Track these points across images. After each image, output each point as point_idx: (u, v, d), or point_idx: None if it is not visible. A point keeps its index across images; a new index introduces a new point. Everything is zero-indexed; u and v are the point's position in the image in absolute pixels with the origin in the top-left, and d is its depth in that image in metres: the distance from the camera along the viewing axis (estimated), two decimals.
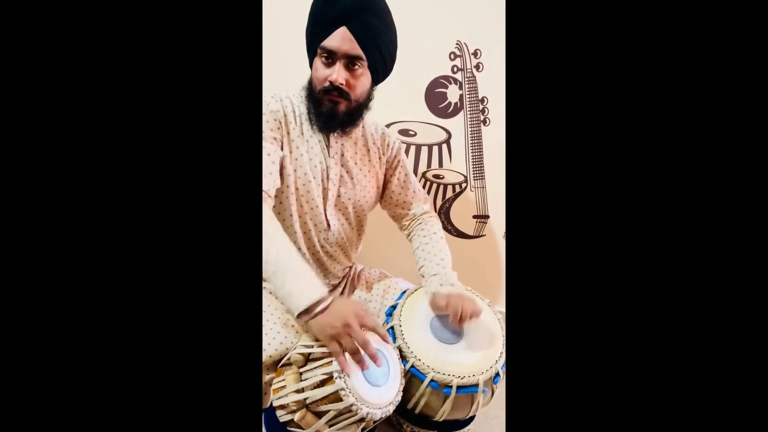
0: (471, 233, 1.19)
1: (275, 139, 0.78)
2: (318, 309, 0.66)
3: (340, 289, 0.92)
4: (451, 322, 0.75)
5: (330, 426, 0.65)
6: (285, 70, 0.97)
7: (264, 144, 0.76)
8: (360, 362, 0.65)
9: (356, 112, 0.81)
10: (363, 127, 0.90)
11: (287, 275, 0.67)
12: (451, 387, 0.70)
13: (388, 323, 0.78)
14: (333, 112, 0.78)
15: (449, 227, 1.19)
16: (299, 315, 0.67)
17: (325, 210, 0.84)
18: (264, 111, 0.79)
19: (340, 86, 0.76)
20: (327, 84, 0.76)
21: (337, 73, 0.75)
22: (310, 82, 0.81)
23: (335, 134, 0.84)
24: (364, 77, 0.78)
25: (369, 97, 0.82)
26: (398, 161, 0.92)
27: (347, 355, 0.65)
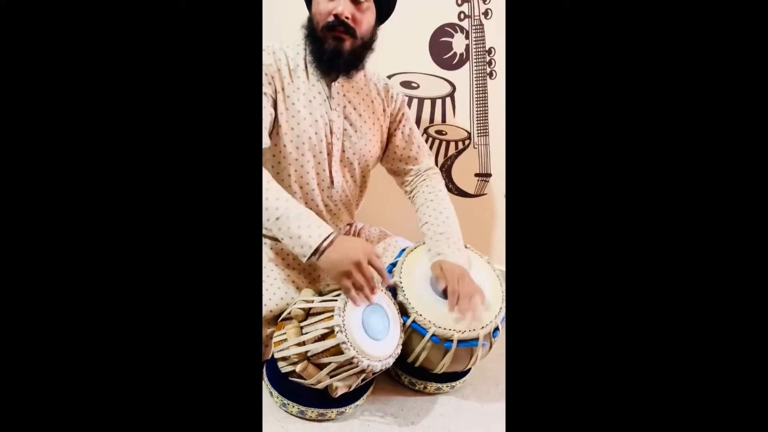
0: (472, 192, 1.18)
1: (265, 94, 0.76)
2: (325, 244, 0.68)
3: None
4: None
5: (331, 377, 0.68)
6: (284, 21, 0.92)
7: None
8: (367, 297, 0.68)
9: (361, 51, 0.79)
10: (365, 76, 0.88)
11: (291, 219, 0.69)
12: (452, 341, 0.73)
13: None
14: (337, 50, 0.75)
15: (450, 185, 1.19)
16: (311, 255, 0.68)
17: (330, 166, 0.82)
18: None
19: (346, 20, 0.73)
20: (331, 18, 0.73)
21: (343, 6, 0.71)
22: (310, 20, 0.77)
23: (338, 83, 0.82)
24: (369, 12, 0.76)
25: (373, 37, 0.80)
26: (402, 114, 0.91)
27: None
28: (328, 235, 0.69)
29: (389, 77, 1.11)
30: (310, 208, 0.83)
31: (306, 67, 0.80)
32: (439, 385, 0.82)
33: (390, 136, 0.91)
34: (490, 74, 1.08)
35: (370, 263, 0.70)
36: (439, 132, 1.15)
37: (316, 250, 0.68)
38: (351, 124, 0.83)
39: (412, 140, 0.91)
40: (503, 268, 1.08)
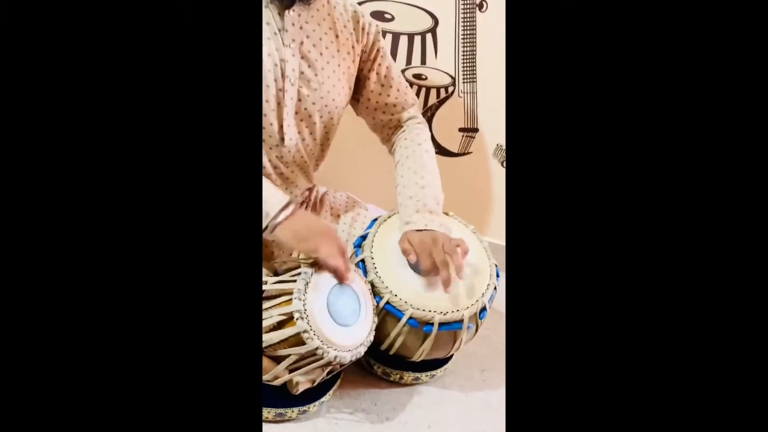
0: (456, 150, 1.13)
1: None
2: (283, 216, 0.67)
3: None
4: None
5: (291, 371, 0.65)
6: None
7: None
8: (341, 274, 0.67)
9: None
10: (329, 2, 0.78)
11: None
12: (432, 324, 0.71)
13: (357, 256, 0.76)
14: None
15: None
16: (267, 226, 0.67)
17: (280, 119, 0.75)
18: None
19: None
20: None
21: None
22: None
23: (293, 11, 0.72)
24: None
25: None
26: (377, 51, 0.83)
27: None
28: (287, 204, 0.67)
29: (359, 4, 0.99)
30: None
31: None
32: (418, 374, 0.81)
33: (362, 79, 0.83)
34: (480, 6, 1.01)
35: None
36: (417, 76, 1.09)
37: (273, 219, 0.66)
38: (309, 66, 0.74)
39: (390, 83, 0.84)
40: (493, 239, 1.07)
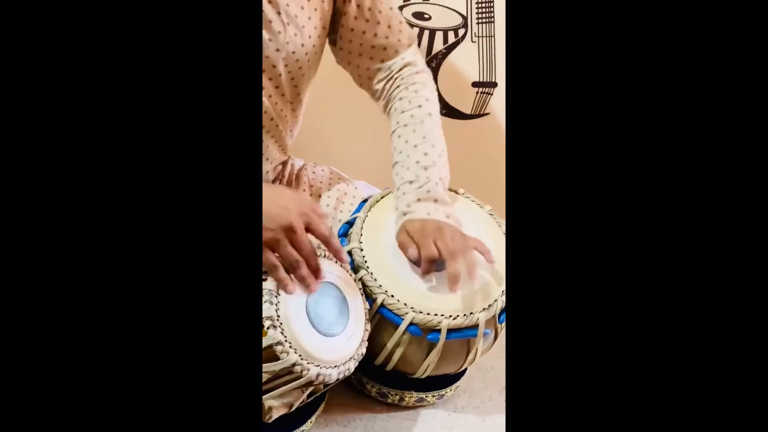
0: (468, 111, 1.12)
1: None
2: None
3: None
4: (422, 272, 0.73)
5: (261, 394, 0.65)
6: None
7: None
8: (304, 282, 0.65)
9: None
10: None
11: None
12: (439, 331, 0.71)
13: (343, 246, 0.75)
14: None
15: None
16: None
17: None
18: None
19: None
20: None
21: None
22: None
23: None
24: None
25: None
26: None
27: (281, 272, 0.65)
28: None
29: None
30: None
31: None
32: (422, 394, 0.81)
33: (339, 14, 0.81)
34: None
35: (309, 229, 0.66)
36: (418, 15, 1.07)
37: None
38: (270, 2, 0.74)
39: (376, 17, 0.81)
40: None
